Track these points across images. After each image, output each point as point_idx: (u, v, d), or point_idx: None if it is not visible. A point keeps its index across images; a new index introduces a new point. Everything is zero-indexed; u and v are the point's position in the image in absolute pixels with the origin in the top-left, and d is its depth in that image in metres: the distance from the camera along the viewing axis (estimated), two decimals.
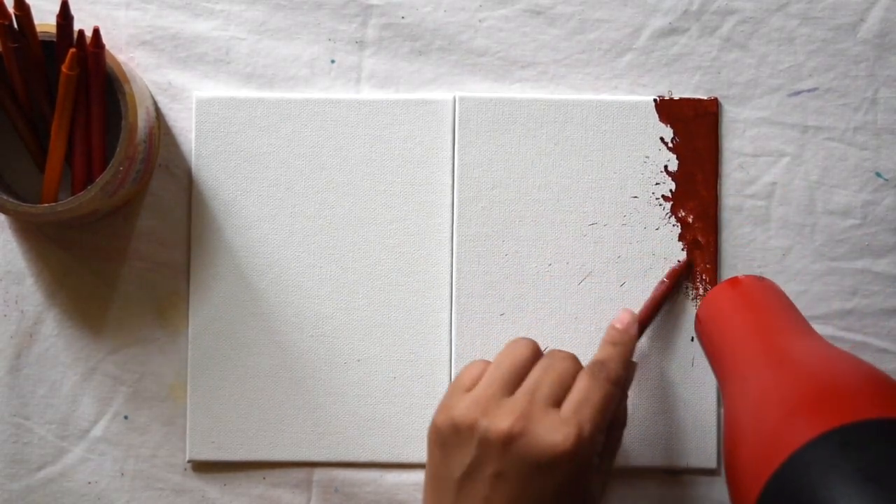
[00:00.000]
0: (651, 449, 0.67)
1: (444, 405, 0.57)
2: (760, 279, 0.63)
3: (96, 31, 0.61)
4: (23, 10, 0.61)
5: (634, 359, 0.64)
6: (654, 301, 0.66)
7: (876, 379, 0.50)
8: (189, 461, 0.68)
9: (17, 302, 0.69)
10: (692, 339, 0.67)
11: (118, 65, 0.64)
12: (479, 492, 0.53)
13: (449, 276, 0.68)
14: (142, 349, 0.69)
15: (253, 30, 0.69)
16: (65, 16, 0.62)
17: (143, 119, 0.64)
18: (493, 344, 0.68)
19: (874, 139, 0.69)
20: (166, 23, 0.69)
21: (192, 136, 0.69)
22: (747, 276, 0.63)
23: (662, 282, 0.67)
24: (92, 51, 0.62)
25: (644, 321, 0.66)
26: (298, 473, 0.68)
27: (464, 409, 0.55)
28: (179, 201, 0.69)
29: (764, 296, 0.61)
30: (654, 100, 0.68)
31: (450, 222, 0.68)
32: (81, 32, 0.62)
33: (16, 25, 0.61)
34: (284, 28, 0.69)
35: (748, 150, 0.69)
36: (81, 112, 0.64)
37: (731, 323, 0.60)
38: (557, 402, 0.55)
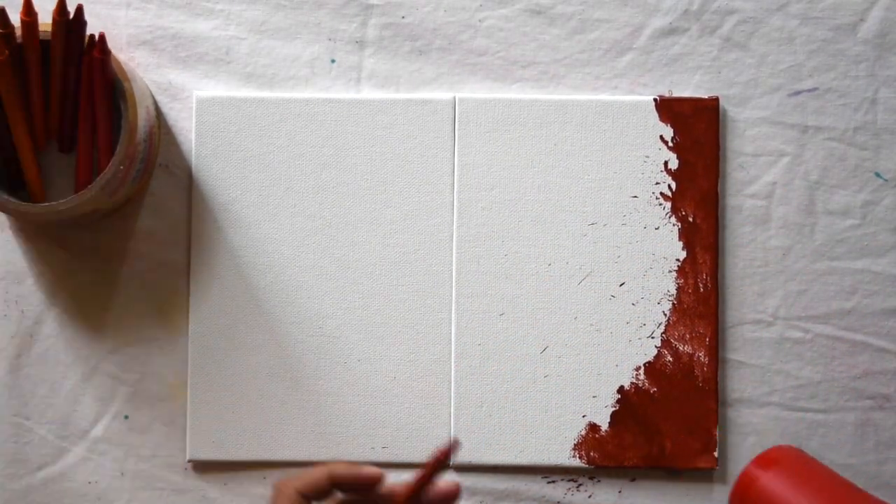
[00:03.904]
0: None
1: None
2: (784, 448, 0.60)
3: (102, 37, 0.62)
4: (31, 16, 0.62)
5: None
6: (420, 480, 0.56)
7: None
8: (189, 461, 0.68)
9: (17, 302, 0.69)
10: None
11: (118, 64, 0.64)
12: None
13: (449, 276, 0.68)
14: (142, 349, 0.69)
15: (253, 29, 0.69)
16: (61, 12, 0.62)
17: (143, 118, 0.64)
18: (493, 344, 0.68)
19: (874, 139, 0.69)
20: (166, 23, 0.69)
21: (192, 135, 0.69)
22: (777, 449, 0.60)
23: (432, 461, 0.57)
24: (98, 57, 0.62)
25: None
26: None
27: None
28: (179, 201, 0.69)
29: (806, 464, 0.58)
30: (654, 99, 0.68)
31: (450, 222, 0.68)
32: (77, 16, 0.62)
33: (19, 31, 0.63)
34: (284, 28, 0.69)
35: (748, 150, 0.69)
36: (87, 115, 0.64)
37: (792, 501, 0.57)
38: None
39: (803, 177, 0.69)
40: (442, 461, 0.56)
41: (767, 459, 0.59)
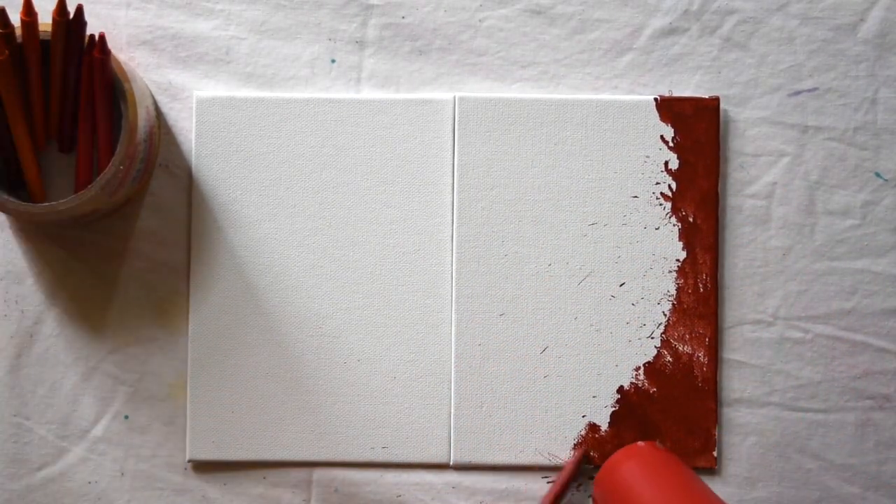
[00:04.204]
0: None
1: None
2: (656, 446, 0.65)
3: (102, 37, 0.62)
4: (31, 16, 0.62)
5: None
6: (562, 484, 0.66)
7: None
8: (189, 461, 0.68)
9: (17, 302, 0.69)
10: None
11: (118, 64, 0.64)
12: None
13: (449, 276, 0.68)
14: (142, 349, 0.69)
15: (253, 29, 0.69)
16: (61, 12, 0.62)
17: (143, 118, 0.64)
18: (493, 344, 0.68)
19: (874, 139, 0.69)
20: (166, 23, 0.69)
21: (192, 135, 0.69)
22: (646, 444, 0.65)
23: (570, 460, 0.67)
24: (98, 57, 0.62)
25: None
26: (298, 473, 0.68)
27: None
28: (179, 201, 0.69)
29: (666, 464, 0.63)
30: (655, 99, 0.68)
31: (450, 222, 0.69)
32: (77, 17, 0.62)
33: (19, 31, 0.63)
34: (285, 28, 0.69)
35: (748, 150, 0.69)
36: (87, 115, 0.65)
37: (642, 491, 0.61)
38: None
39: (803, 177, 0.69)
40: (578, 469, 0.62)
41: (631, 451, 0.64)
